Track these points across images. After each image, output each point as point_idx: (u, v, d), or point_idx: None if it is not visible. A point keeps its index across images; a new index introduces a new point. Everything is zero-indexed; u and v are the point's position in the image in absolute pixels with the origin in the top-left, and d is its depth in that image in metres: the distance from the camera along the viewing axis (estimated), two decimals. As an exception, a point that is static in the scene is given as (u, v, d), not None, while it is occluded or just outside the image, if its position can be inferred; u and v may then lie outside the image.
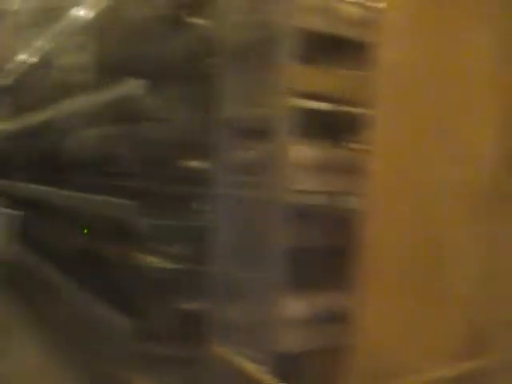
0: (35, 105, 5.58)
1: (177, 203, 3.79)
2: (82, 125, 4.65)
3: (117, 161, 4.00)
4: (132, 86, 3.87)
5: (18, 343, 4.17)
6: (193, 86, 3.71)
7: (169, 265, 3.79)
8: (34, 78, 5.77)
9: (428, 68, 3.12)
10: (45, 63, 5.58)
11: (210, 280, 3.61)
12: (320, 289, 3.32)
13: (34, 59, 5.82)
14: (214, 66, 3.57)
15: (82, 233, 4.40)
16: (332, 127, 3.41)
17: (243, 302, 3.47)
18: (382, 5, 3.12)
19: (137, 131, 3.80)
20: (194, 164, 3.79)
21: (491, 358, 3.23)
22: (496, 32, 3.20)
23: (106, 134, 4.28)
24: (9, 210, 2.87)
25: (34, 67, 5.81)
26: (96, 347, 4.14)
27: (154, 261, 3.81)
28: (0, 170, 4.21)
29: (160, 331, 3.81)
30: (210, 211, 3.63)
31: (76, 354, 4.17)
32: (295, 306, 3.28)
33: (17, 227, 2.79)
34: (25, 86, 5.87)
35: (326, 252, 3.28)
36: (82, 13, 4.95)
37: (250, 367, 3.35)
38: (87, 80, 4.59)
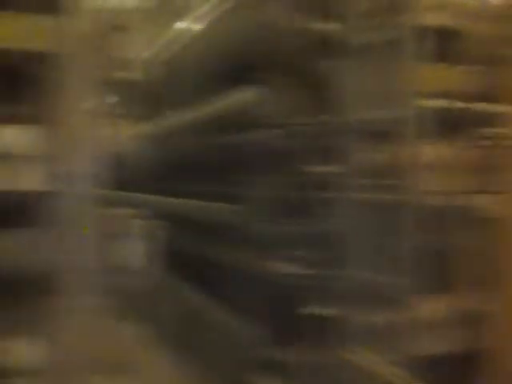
0: (156, 111, 5.61)
1: (302, 208, 3.79)
2: (202, 132, 4.70)
3: (240, 168, 4.03)
4: (251, 93, 3.89)
5: (150, 352, 4.25)
6: (314, 91, 3.71)
7: (295, 270, 3.78)
8: (158, 81, 5.74)
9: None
10: (167, 66, 5.58)
11: (338, 284, 3.59)
12: (454, 291, 3.25)
13: (158, 59, 5.77)
14: (336, 70, 3.56)
15: (211, 241, 4.45)
16: (463, 125, 3.34)
17: (374, 305, 3.44)
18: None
19: (259, 138, 3.81)
20: (318, 169, 3.78)
21: None
22: None
23: (227, 141, 4.31)
24: (147, 224, 2.93)
25: (157, 69, 5.79)
26: (223, 353, 4.18)
27: (280, 267, 3.82)
28: (130, 182, 4.26)
29: (287, 336, 3.81)
30: (337, 215, 3.62)
31: (202, 359, 4.23)
32: (429, 309, 3.23)
33: (155, 241, 2.86)
34: (149, 88, 5.80)
35: (461, 253, 3.21)
36: (199, 16, 4.94)
37: (384, 370, 3.32)
38: (206, 86, 4.63)
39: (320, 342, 3.64)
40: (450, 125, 3.26)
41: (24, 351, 2.56)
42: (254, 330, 3.85)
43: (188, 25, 5.19)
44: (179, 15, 5.34)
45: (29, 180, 2.46)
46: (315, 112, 3.70)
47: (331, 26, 3.60)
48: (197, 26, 4.97)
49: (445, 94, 3.24)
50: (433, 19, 3.13)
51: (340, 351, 3.54)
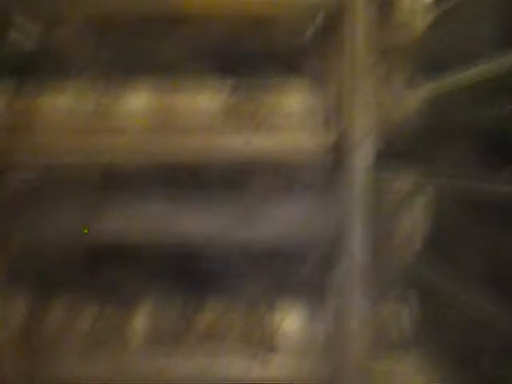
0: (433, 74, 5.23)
1: None
2: (477, 99, 4.31)
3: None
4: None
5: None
6: None
7: None
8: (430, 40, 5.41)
9: None
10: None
11: None
12: None
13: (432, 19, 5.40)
14: None
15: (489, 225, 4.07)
16: None
17: None
18: None
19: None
20: None
21: None
22: None
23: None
24: (424, 201, 2.73)
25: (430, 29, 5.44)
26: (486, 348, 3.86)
27: None
28: (407, 152, 3.93)
29: None
30: None
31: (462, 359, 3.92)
32: None
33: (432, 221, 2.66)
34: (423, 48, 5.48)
35: None
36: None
37: None
38: (478, 47, 4.24)
39: None
40: None
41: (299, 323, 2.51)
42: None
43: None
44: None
45: (306, 145, 2.37)
46: None
47: None
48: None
49: None
50: None
51: None
